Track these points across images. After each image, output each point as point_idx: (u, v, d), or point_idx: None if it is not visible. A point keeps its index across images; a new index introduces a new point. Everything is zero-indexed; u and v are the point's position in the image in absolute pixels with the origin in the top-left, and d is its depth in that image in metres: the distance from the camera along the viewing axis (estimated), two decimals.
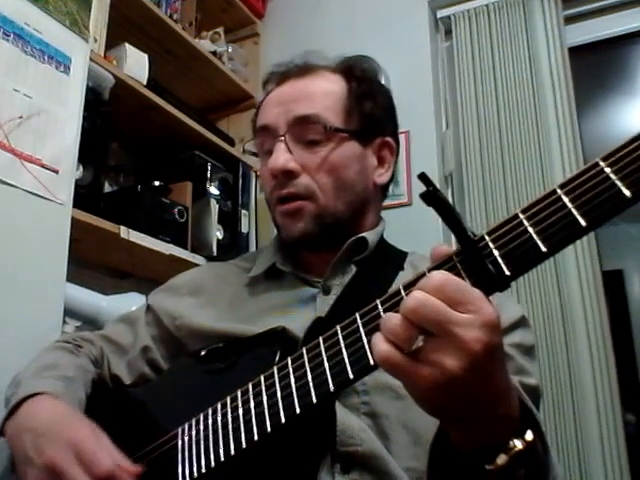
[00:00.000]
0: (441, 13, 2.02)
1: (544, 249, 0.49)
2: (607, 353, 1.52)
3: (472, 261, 0.52)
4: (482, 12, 1.92)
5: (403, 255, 0.99)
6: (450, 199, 1.88)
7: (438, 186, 0.53)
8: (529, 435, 0.54)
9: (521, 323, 0.86)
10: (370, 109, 0.96)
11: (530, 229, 0.50)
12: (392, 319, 0.50)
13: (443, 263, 0.53)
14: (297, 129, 0.92)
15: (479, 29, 1.92)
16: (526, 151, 1.75)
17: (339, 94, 0.95)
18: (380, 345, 0.50)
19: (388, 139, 1.00)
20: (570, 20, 1.90)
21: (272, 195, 0.94)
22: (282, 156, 0.90)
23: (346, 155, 0.93)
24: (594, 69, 1.96)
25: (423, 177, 0.53)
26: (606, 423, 1.48)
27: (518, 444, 0.53)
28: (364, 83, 0.98)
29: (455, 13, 1.97)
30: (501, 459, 0.53)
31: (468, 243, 0.52)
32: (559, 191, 0.50)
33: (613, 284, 1.69)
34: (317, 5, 2.23)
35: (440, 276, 0.51)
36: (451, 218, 0.52)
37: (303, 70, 0.98)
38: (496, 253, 0.51)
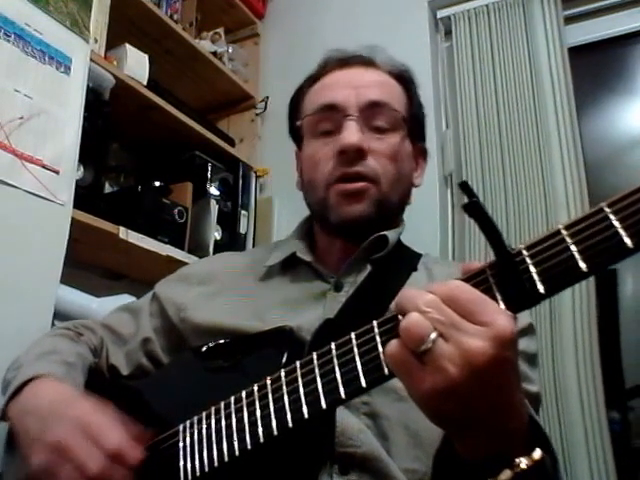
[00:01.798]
0: (441, 13, 2.02)
1: (585, 269, 0.47)
2: (593, 351, 1.51)
3: (506, 276, 0.51)
4: (482, 12, 1.92)
5: (417, 257, 0.99)
6: (450, 200, 1.89)
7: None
8: (537, 453, 0.53)
9: (528, 331, 0.87)
10: (420, 114, 1.03)
11: (572, 247, 0.48)
12: (410, 317, 0.50)
13: (475, 275, 0.53)
14: (368, 113, 0.93)
15: (479, 29, 1.91)
16: (526, 151, 1.74)
17: (401, 92, 0.99)
18: (391, 341, 0.51)
19: (426, 147, 1.06)
20: (570, 20, 1.89)
21: (333, 173, 0.92)
22: (357, 133, 0.90)
23: (405, 149, 0.97)
24: (594, 69, 1.96)
25: (465, 187, 0.52)
26: (590, 420, 1.47)
27: (523, 462, 0.52)
28: (415, 89, 1.03)
29: (455, 13, 1.97)
30: (505, 474, 0.52)
31: (505, 257, 0.51)
32: (607, 210, 0.48)
33: (606, 283, 1.68)
34: (317, 6, 2.23)
35: (456, 283, 0.51)
36: (490, 230, 0.51)
37: (368, 62, 1.00)
38: (532, 270, 0.49)
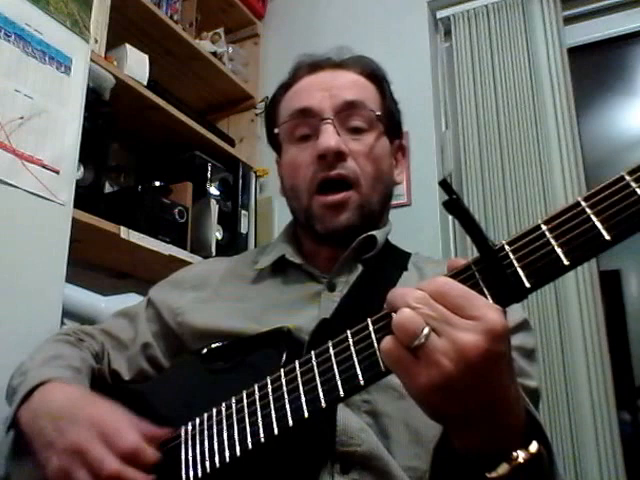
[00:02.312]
0: (440, 14, 2.03)
1: (566, 262, 0.48)
2: (602, 352, 1.53)
3: (491, 271, 0.52)
4: (481, 13, 1.93)
5: (407, 256, 0.99)
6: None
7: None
8: (534, 447, 0.54)
9: (523, 326, 0.86)
10: (395, 110, 1.02)
11: (553, 241, 0.49)
12: (402, 313, 0.51)
13: (461, 272, 0.53)
14: (343, 114, 0.92)
15: (478, 30, 1.92)
16: (525, 151, 1.75)
17: (373, 90, 0.99)
18: (386, 338, 0.51)
19: (404, 142, 1.05)
20: (569, 20, 1.90)
21: (315, 178, 0.91)
22: (334, 137, 0.89)
23: (383, 147, 0.96)
24: (593, 69, 1.96)
25: (444, 185, 0.52)
26: (601, 422, 1.48)
27: (521, 455, 0.53)
28: (388, 86, 1.02)
29: (454, 14, 1.98)
30: (503, 468, 0.52)
31: (488, 253, 0.52)
32: (583, 204, 0.49)
33: (610, 284, 1.69)
34: (316, 6, 2.23)
35: (443, 279, 0.51)
36: (472, 227, 0.52)
37: (338, 64, 0.99)
38: (516, 264, 0.50)
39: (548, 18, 1.82)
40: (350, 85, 0.95)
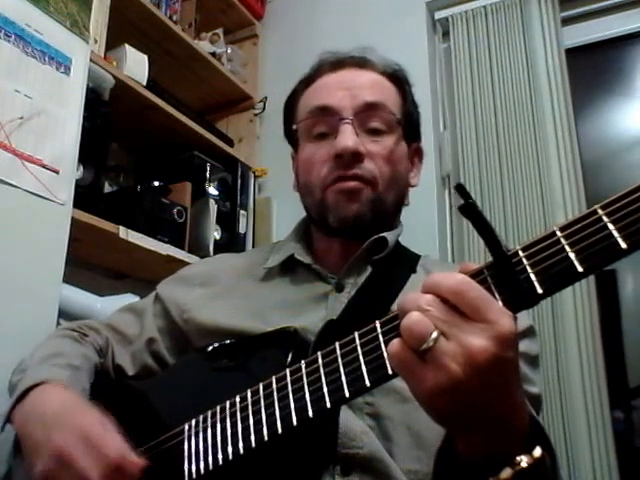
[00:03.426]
0: (439, 14, 2.03)
1: (580, 269, 0.48)
2: (596, 351, 1.53)
3: (504, 276, 0.51)
4: (480, 13, 1.93)
5: (416, 258, 1.00)
6: (447, 201, 1.90)
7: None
8: (537, 452, 0.53)
9: (528, 333, 0.87)
10: (414, 113, 1.02)
11: (567, 248, 0.49)
12: (411, 316, 0.50)
13: (473, 276, 0.53)
14: (363, 115, 0.93)
15: (476, 30, 1.92)
16: (523, 152, 1.75)
17: (395, 92, 0.99)
18: (393, 341, 0.51)
19: (421, 146, 1.06)
20: (567, 21, 1.91)
21: (329, 176, 0.92)
22: (352, 137, 0.90)
23: (400, 150, 0.97)
24: (591, 70, 1.97)
25: (460, 189, 0.52)
26: (594, 420, 1.48)
27: (524, 460, 0.52)
28: (409, 88, 1.03)
29: (453, 14, 1.98)
30: (506, 473, 0.52)
31: (502, 258, 0.51)
32: (600, 212, 0.48)
33: (606, 283, 1.69)
34: (315, 7, 2.24)
35: (464, 277, 0.51)
36: (486, 231, 0.52)
37: (361, 63, 0.99)
38: (529, 270, 0.50)
39: (546, 19, 1.82)
40: (371, 85, 0.96)
